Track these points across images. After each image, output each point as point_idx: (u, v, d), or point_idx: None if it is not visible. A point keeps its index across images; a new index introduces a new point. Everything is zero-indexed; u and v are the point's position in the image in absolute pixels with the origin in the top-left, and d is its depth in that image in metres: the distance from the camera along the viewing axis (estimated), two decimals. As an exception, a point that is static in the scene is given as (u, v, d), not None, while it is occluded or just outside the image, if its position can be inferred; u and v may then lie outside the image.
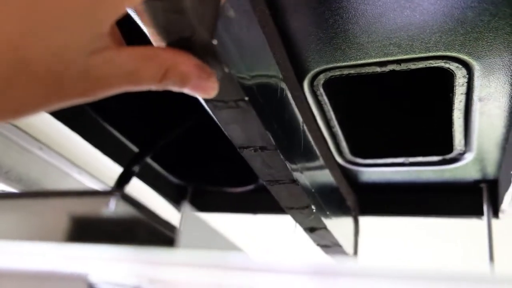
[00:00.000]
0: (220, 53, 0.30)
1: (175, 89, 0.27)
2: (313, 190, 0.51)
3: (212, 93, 0.28)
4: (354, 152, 0.61)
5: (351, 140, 0.59)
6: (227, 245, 0.23)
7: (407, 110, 0.57)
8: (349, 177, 0.67)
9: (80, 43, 0.23)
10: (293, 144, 0.46)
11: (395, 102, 0.56)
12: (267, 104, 0.39)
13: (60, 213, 0.22)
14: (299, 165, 0.46)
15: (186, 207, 0.21)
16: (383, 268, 0.17)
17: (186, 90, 0.28)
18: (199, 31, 0.28)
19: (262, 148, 0.40)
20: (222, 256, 0.17)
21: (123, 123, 0.65)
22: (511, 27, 0.39)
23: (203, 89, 0.28)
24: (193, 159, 0.75)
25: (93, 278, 0.20)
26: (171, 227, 0.22)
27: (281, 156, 0.41)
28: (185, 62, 0.27)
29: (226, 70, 0.31)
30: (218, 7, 0.30)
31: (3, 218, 0.25)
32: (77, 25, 0.22)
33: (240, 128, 0.38)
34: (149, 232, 0.21)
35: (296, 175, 0.45)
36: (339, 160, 0.62)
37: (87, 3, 0.22)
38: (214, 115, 0.36)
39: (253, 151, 0.40)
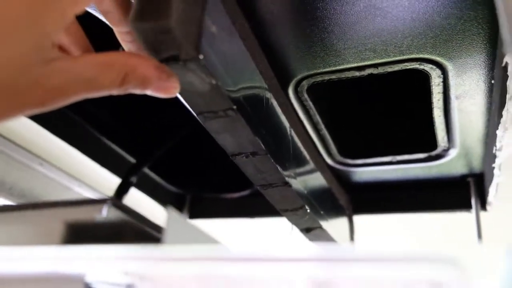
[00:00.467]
0: (207, 67, 0.33)
1: (138, 91, 0.28)
2: (305, 192, 0.53)
3: (174, 92, 0.29)
4: (343, 153, 0.63)
5: (339, 142, 0.61)
6: (212, 243, 0.25)
7: (390, 111, 0.60)
8: (341, 177, 0.69)
9: (27, 55, 0.23)
10: (283, 149, 0.48)
11: (378, 104, 0.59)
12: (254, 112, 0.42)
13: (56, 221, 0.24)
14: (290, 168, 0.49)
15: (170, 209, 0.23)
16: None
17: (149, 92, 0.28)
18: (185, 48, 0.31)
19: (253, 154, 0.42)
20: (209, 249, 0.19)
21: (120, 136, 0.68)
22: (477, 29, 0.41)
23: (165, 90, 0.28)
24: (189, 167, 0.78)
25: (90, 278, 0.22)
26: (159, 229, 0.24)
27: (272, 160, 0.44)
28: (144, 65, 0.28)
29: (214, 82, 0.34)
30: (201, 24, 0.33)
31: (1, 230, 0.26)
32: (21, 37, 0.23)
33: (231, 136, 0.40)
34: (138, 234, 0.23)
35: (288, 178, 0.48)
36: (329, 161, 0.64)
37: (29, 15, 0.23)
38: (205, 126, 0.39)
39: (244, 157, 0.43)
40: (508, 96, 0.43)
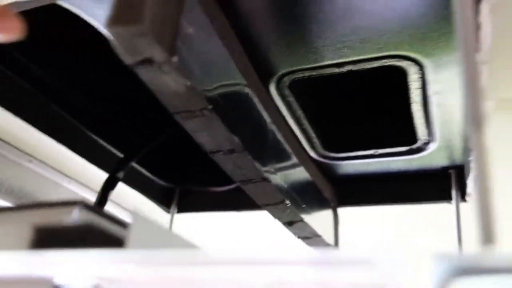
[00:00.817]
0: (182, 69, 0.33)
1: None
2: (286, 186, 0.54)
3: (15, 34, 0.27)
4: (326, 147, 0.64)
5: (322, 136, 0.62)
6: (182, 244, 0.26)
7: (371, 105, 0.61)
8: (326, 170, 0.70)
9: None
10: (262, 145, 0.49)
11: (359, 99, 0.60)
12: (233, 109, 0.43)
13: (25, 225, 0.24)
14: (269, 163, 0.50)
15: (135, 213, 0.23)
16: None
17: None
18: (159, 51, 0.31)
19: (231, 151, 0.43)
20: (175, 253, 0.20)
21: (108, 131, 0.68)
22: (451, 27, 0.42)
23: (4, 31, 0.26)
24: (178, 161, 0.78)
25: (58, 280, 0.23)
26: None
27: (250, 157, 0.45)
28: None
29: (188, 83, 0.34)
30: (177, 26, 0.33)
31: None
32: None
33: (208, 135, 0.41)
34: (107, 237, 0.24)
35: (268, 173, 0.49)
36: (313, 155, 0.65)
37: None
38: (183, 125, 0.40)
39: (222, 154, 0.44)
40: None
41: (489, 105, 0.53)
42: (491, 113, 0.55)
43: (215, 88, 0.39)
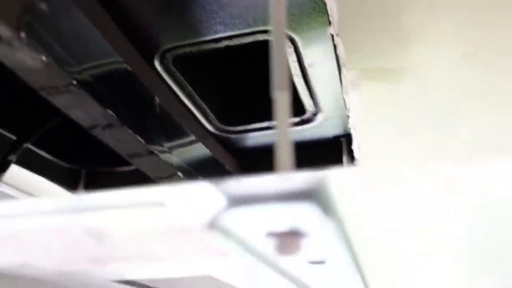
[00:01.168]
0: (33, 45, 0.34)
1: None
2: (179, 161, 0.56)
3: None
4: (223, 121, 0.67)
5: (217, 110, 0.65)
6: None
7: (259, 79, 0.64)
8: (226, 143, 0.73)
9: None
10: (148, 119, 0.51)
11: (244, 73, 0.63)
12: (107, 86, 0.44)
13: None
14: (159, 140, 0.52)
15: None
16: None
17: None
18: (4, 27, 0.31)
19: (109, 126, 0.45)
20: None
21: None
22: (312, 3, 0.46)
23: None
24: (81, 142, 0.77)
25: None
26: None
27: (130, 131, 0.46)
28: None
29: (44, 58, 0.35)
30: (23, 3, 0.33)
31: None
32: None
33: (81, 111, 0.42)
34: None
35: (156, 151, 0.50)
36: (211, 129, 0.68)
37: None
38: (53, 101, 0.40)
39: (101, 129, 0.45)
40: (341, 63, 0.49)
41: (353, 74, 0.59)
42: (358, 82, 0.61)
43: (87, 66, 0.40)
